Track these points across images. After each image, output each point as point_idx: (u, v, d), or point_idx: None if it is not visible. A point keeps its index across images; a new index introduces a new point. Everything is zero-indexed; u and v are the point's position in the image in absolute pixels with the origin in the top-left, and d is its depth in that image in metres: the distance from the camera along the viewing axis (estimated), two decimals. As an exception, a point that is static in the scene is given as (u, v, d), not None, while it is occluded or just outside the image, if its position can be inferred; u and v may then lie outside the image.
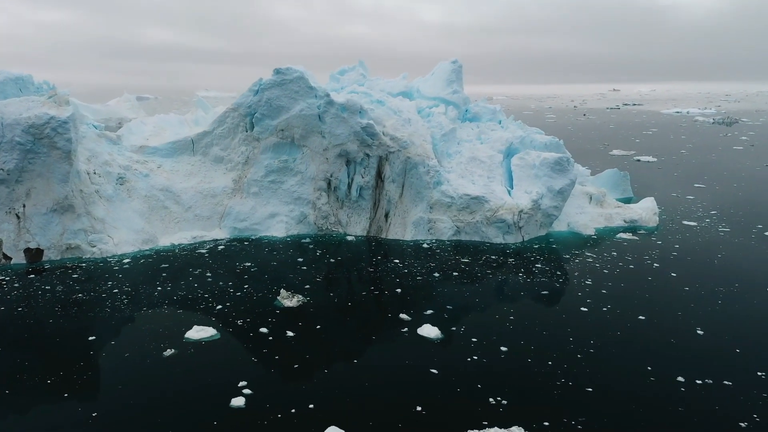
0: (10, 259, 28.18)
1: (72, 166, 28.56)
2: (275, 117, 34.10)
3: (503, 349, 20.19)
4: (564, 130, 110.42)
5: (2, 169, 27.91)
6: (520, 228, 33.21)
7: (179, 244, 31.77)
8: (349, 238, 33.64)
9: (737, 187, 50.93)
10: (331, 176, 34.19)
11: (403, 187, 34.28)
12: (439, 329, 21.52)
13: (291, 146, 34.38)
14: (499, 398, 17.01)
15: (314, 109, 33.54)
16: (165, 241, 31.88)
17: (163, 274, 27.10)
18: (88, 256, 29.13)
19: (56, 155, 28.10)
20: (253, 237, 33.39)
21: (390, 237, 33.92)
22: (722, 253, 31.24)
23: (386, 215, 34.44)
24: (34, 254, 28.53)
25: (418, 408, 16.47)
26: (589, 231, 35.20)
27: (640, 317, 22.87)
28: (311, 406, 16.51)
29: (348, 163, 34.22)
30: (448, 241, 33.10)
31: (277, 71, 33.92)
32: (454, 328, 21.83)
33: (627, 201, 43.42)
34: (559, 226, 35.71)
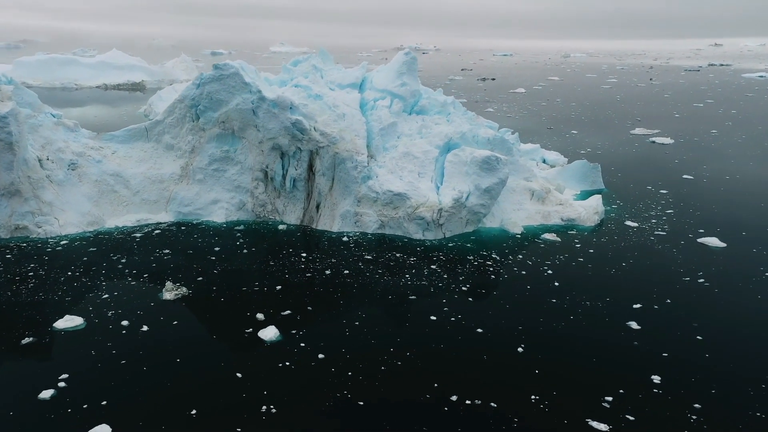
0: (-35, 236, 32.17)
1: (16, 155, 31.94)
2: (216, 109, 36.30)
3: (320, 356, 22.00)
4: (611, 99, 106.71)
5: (-44, 158, 31.63)
6: (440, 225, 34.22)
7: (123, 227, 34.93)
8: (281, 227, 35.77)
9: (729, 180, 48.91)
10: (267, 167, 36.24)
11: (333, 180, 35.86)
12: (281, 332, 23.48)
13: (232, 137, 36.57)
14: (271, 407, 18.99)
15: (249, 104, 35.48)
16: (111, 223, 35.13)
17: (84, 258, 30.28)
18: (34, 236, 32.76)
19: (-1, 147, 31.53)
20: (195, 221, 36.13)
21: (320, 228, 35.79)
22: (629, 262, 31.19)
23: (317, 206, 36.24)
24: (-15, 233, 32.41)
25: (193, 411, 18.74)
26: (517, 229, 35.67)
27: (478, 330, 23.95)
28: (104, 402, 19.08)
29: (283, 155, 36.11)
30: (371, 234, 34.60)
31: (216, 67, 35.98)
32: (294, 331, 23.73)
33: (595, 194, 43.01)
34: (493, 223, 36.36)
